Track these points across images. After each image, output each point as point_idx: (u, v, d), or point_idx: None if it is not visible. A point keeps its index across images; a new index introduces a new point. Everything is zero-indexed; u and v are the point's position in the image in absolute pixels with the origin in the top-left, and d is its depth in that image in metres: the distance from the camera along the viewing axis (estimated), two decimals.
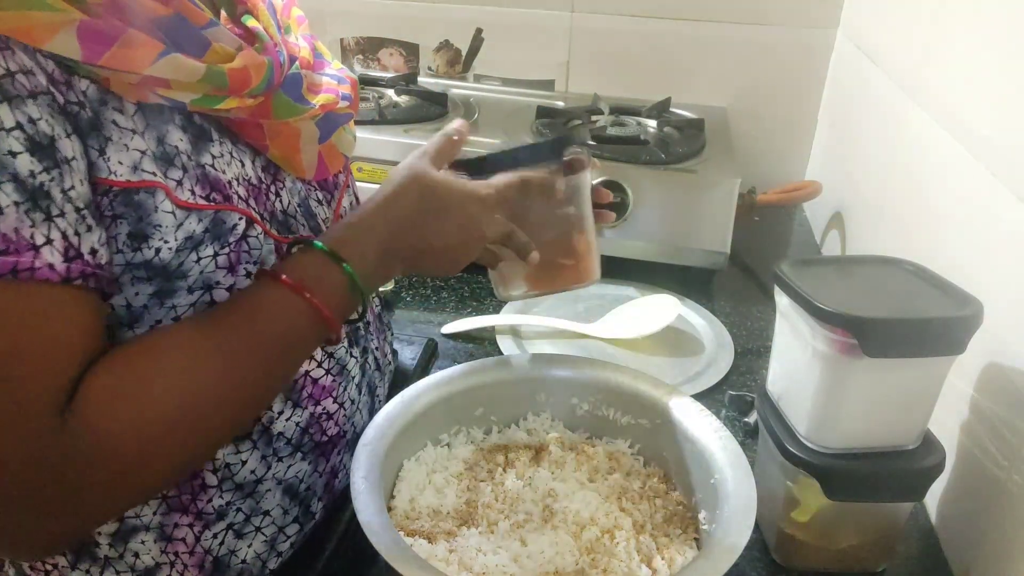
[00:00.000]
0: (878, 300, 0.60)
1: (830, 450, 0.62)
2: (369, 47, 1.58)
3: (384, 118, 1.22)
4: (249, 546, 0.61)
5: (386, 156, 1.13)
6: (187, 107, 0.51)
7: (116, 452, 0.46)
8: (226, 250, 0.53)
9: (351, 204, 0.73)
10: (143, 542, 0.57)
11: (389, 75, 1.42)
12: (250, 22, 0.60)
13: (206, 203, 0.52)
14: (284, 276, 0.53)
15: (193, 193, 0.51)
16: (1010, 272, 0.64)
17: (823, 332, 0.59)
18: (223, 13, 0.60)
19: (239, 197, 0.55)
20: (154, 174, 0.49)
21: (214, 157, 0.54)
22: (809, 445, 0.63)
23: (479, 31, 1.46)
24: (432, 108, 1.28)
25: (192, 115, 0.54)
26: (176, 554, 0.58)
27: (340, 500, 0.70)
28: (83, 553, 0.58)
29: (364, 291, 0.57)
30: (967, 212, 0.75)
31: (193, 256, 0.52)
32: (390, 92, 1.33)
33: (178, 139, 0.51)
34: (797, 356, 0.64)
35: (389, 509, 0.63)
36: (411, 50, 1.57)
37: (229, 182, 0.54)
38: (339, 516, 0.69)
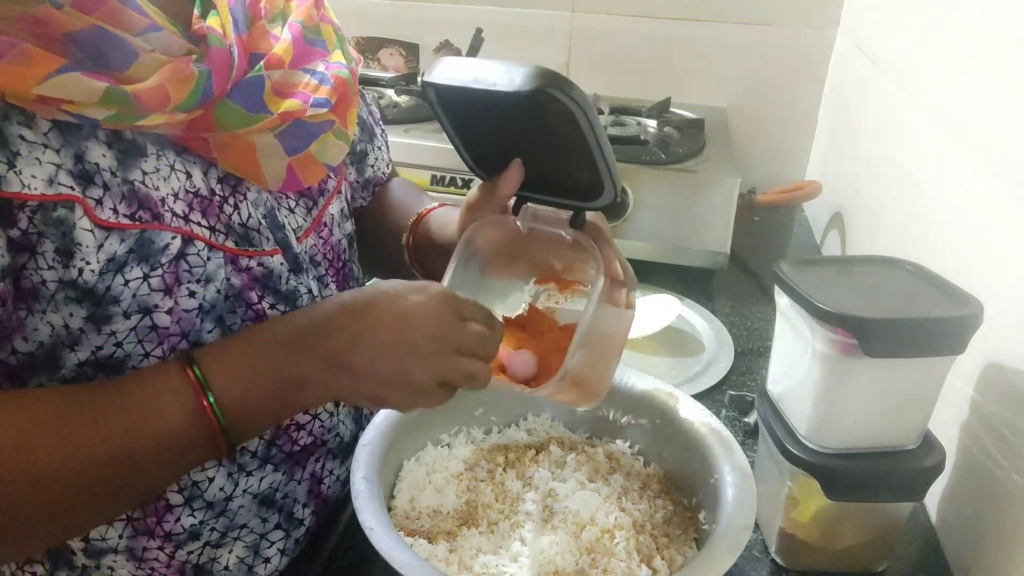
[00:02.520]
0: (878, 300, 0.60)
1: (830, 450, 0.62)
2: (369, 47, 1.58)
3: (384, 118, 1.21)
4: (230, 552, 0.61)
5: None
6: (100, 124, 0.48)
7: None
8: (158, 271, 0.51)
9: (341, 211, 0.69)
10: (115, 561, 0.57)
11: (389, 75, 1.42)
12: (211, 20, 0.54)
13: (130, 222, 0.49)
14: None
15: (116, 211, 0.48)
16: (1010, 272, 0.64)
17: (823, 332, 0.59)
18: (195, 11, 0.55)
19: (174, 214, 0.52)
20: (72, 188, 0.47)
21: (145, 173, 0.50)
22: (809, 445, 0.63)
23: (479, 31, 1.46)
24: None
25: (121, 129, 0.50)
26: (152, 569, 0.58)
27: (339, 502, 0.70)
28: (60, 561, 0.57)
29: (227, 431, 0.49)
30: (967, 212, 0.75)
31: (119, 279, 0.49)
32: (390, 92, 1.34)
33: (100, 155, 0.48)
34: (797, 356, 0.64)
35: (389, 509, 0.63)
36: (411, 50, 1.57)
37: (162, 199, 0.51)
38: (338, 516, 0.69)
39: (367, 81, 1.38)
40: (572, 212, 0.57)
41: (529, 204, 0.59)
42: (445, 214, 0.72)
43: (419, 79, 0.55)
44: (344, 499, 0.69)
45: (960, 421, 0.69)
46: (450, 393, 0.54)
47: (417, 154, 1.15)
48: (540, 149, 0.56)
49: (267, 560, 0.63)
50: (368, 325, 0.51)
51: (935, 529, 0.72)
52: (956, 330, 0.58)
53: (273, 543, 0.63)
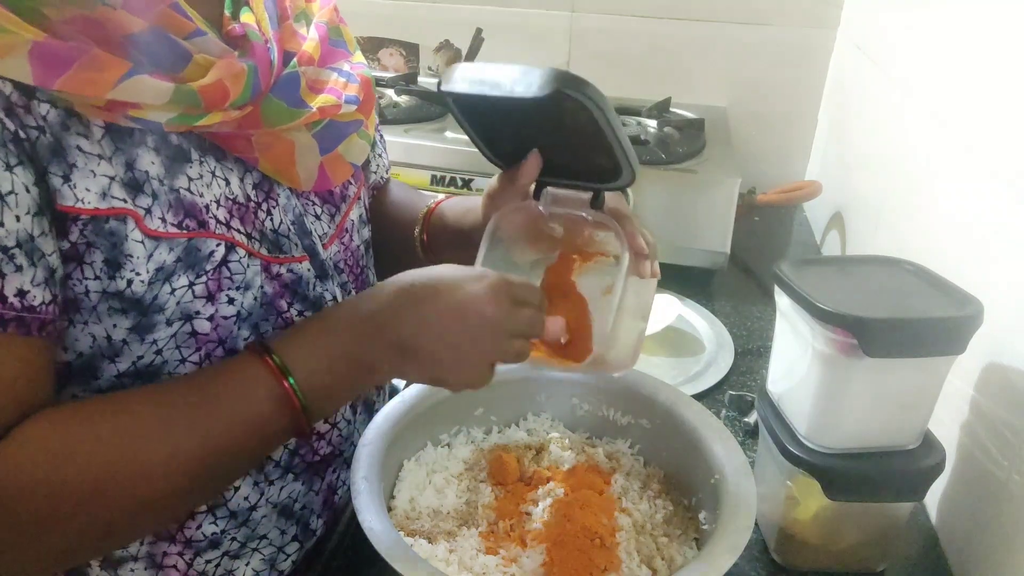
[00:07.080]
0: (878, 300, 0.60)
1: (830, 450, 0.62)
2: (369, 47, 1.58)
3: (384, 118, 1.22)
4: (247, 564, 0.61)
5: None
6: (163, 127, 0.48)
7: (23, 506, 0.44)
8: (203, 279, 0.51)
9: (360, 216, 0.69)
10: (132, 570, 0.57)
11: (389, 75, 1.42)
12: (245, 16, 0.55)
13: (178, 231, 0.50)
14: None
15: (164, 221, 0.49)
16: (1010, 272, 0.64)
17: (823, 332, 0.59)
18: (225, 12, 0.56)
19: (218, 221, 0.52)
20: (124, 201, 0.47)
21: (191, 179, 0.51)
22: (809, 445, 0.63)
23: (479, 31, 1.46)
24: (432, 108, 1.28)
25: (168, 134, 0.50)
26: None
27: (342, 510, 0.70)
28: (76, 575, 0.57)
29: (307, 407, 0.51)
30: (967, 212, 0.75)
31: (167, 288, 0.50)
32: (390, 92, 1.34)
33: (149, 163, 0.49)
34: (797, 356, 0.64)
35: (389, 509, 0.63)
36: (411, 50, 1.57)
37: (207, 206, 0.52)
38: (339, 517, 0.69)
39: None
40: (591, 193, 0.60)
41: (549, 188, 0.61)
42: (461, 203, 0.73)
43: (438, 86, 0.57)
44: (346, 501, 0.69)
45: (960, 421, 0.69)
46: (493, 371, 0.56)
47: (417, 154, 1.16)
48: (557, 139, 0.58)
49: (281, 572, 0.63)
50: (433, 312, 0.53)
51: (935, 529, 0.72)
52: (956, 330, 0.58)
53: (289, 556, 0.63)
